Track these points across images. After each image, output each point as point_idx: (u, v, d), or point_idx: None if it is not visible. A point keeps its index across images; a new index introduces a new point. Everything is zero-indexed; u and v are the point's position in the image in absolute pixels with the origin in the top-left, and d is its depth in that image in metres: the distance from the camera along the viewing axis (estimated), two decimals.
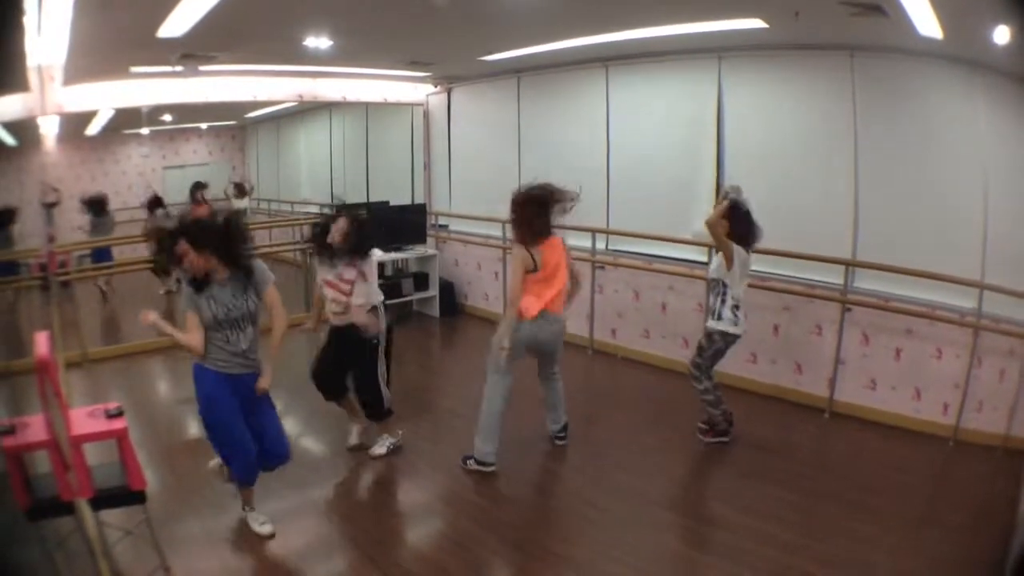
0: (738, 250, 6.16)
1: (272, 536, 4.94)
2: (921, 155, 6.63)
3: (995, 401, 6.33)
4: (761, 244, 7.26)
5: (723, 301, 6.28)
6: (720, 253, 6.26)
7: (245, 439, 4.77)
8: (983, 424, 6.42)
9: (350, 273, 6.04)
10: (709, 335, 6.37)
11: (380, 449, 6.46)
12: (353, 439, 6.56)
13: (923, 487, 5.88)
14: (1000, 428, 6.25)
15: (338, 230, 6.05)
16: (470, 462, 6.04)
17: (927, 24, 5.15)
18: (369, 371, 6.26)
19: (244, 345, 4.69)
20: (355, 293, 6.04)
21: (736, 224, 6.17)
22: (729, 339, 6.33)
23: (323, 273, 6.18)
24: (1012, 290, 6.02)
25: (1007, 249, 6.07)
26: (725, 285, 6.26)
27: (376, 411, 6.38)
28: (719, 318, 6.30)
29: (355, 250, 6.06)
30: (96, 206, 10.51)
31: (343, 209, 6.41)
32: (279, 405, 5.21)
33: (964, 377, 6.49)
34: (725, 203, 6.20)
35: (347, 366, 6.34)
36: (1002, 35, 4.71)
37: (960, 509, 5.43)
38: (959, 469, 6.20)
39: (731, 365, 7.87)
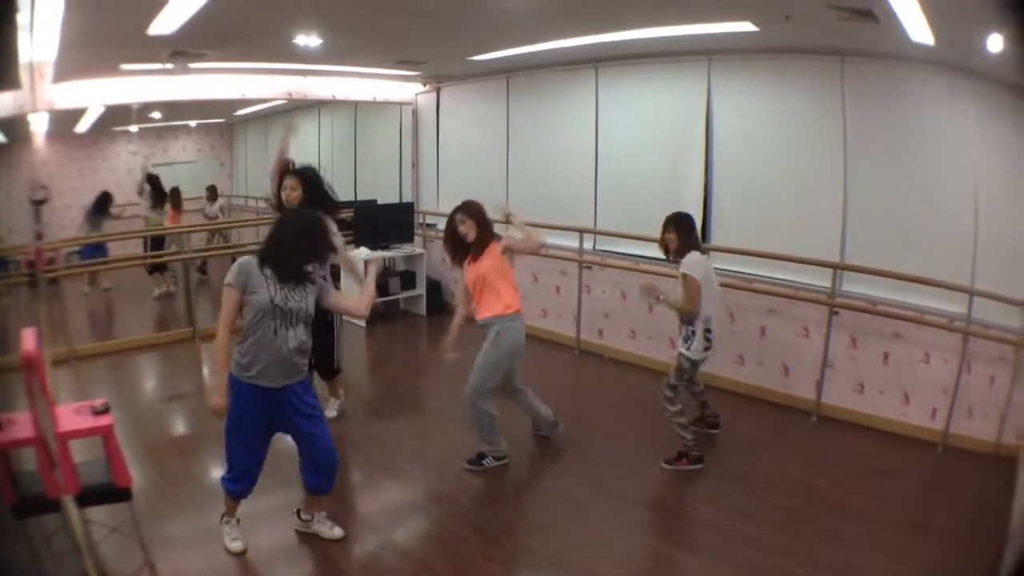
0: (703, 265, 6.02)
1: (243, 553, 4.83)
2: (911, 160, 6.64)
3: (985, 407, 6.32)
4: (749, 246, 7.31)
5: (693, 331, 6.03)
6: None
7: (255, 465, 4.69)
8: (973, 430, 6.41)
9: None
10: (690, 361, 6.10)
11: (332, 412, 6.72)
12: (332, 411, 6.77)
13: (911, 491, 5.91)
14: (991, 435, 6.24)
15: (288, 187, 6.11)
16: (487, 461, 6.02)
17: (919, 30, 5.16)
18: (330, 329, 6.51)
19: (292, 344, 4.46)
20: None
21: (687, 235, 6.07)
22: (699, 364, 6.19)
23: None
24: (1002, 296, 6.02)
25: (997, 255, 6.07)
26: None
27: (330, 369, 6.74)
28: (688, 347, 6.06)
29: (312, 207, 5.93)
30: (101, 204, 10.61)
31: (294, 169, 6.30)
32: None
33: (953, 382, 6.48)
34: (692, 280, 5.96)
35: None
36: (995, 43, 4.72)
37: (950, 514, 5.45)
38: (948, 474, 6.22)
39: (718, 366, 7.89)
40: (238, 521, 4.92)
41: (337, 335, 6.67)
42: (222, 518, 4.92)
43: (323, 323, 6.13)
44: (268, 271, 4.41)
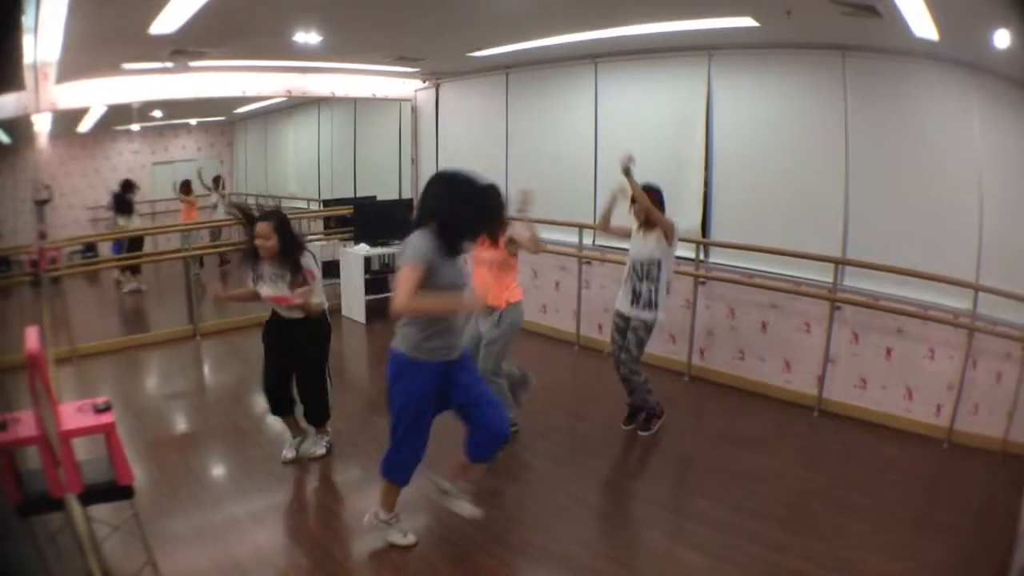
0: (675, 222, 6.25)
1: (414, 545, 4.88)
2: (915, 156, 6.64)
3: (992, 404, 6.31)
4: (750, 241, 7.31)
5: (657, 289, 6.27)
6: (649, 233, 6.30)
7: (425, 441, 4.68)
8: (979, 427, 6.41)
9: (297, 279, 5.64)
10: (649, 328, 6.35)
11: (320, 449, 6.24)
12: (291, 452, 6.18)
13: (916, 488, 5.92)
14: (998, 431, 6.23)
15: (261, 236, 5.58)
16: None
17: (922, 25, 5.15)
18: (319, 371, 6.06)
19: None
20: (312, 292, 5.69)
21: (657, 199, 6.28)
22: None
23: (265, 289, 5.74)
24: (1008, 292, 6.02)
25: (1004, 250, 6.08)
26: (660, 268, 6.25)
27: (322, 414, 6.20)
28: (656, 307, 6.31)
29: (287, 257, 5.64)
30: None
31: (264, 213, 5.74)
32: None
33: (958, 378, 6.48)
34: (634, 181, 6.22)
35: (294, 368, 6.01)
36: (1002, 39, 4.72)
37: (956, 511, 5.44)
38: (954, 471, 6.21)
39: (719, 361, 7.95)
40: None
41: (330, 380, 6.19)
42: (380, 514, 4.91)
43: (315, 368, 6.01)
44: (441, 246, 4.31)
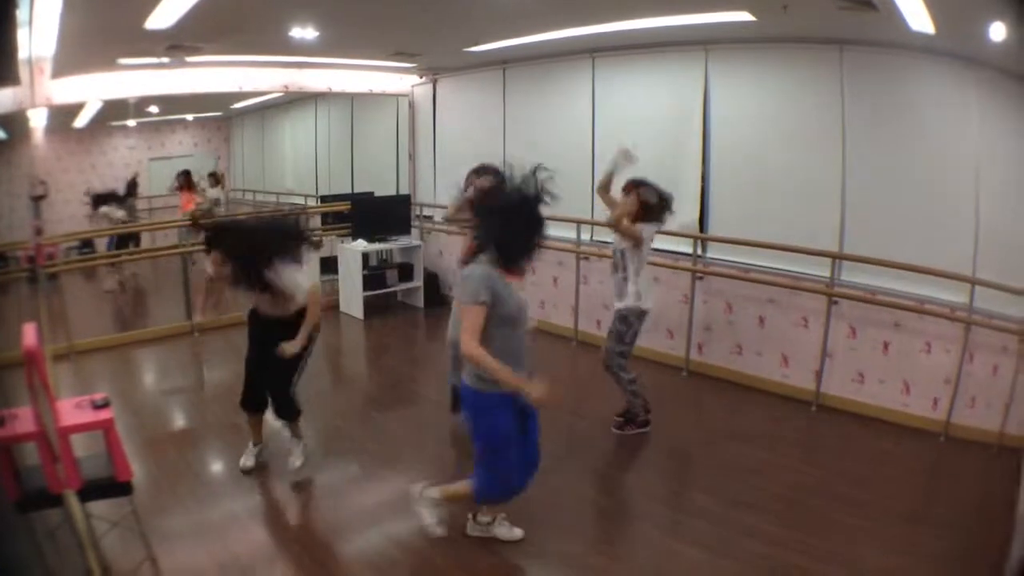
0: (645, 228, 6.19)
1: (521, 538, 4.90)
2: (912, 149, 6.63)
3: (988, 397, 6.32)
4: (747, 236, 7.30)
5: (626, 278, 6.28)
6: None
7: (521, 460, 4.54)
8: (976, 420, 6.42)
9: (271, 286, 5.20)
10: (624, 318, 6.33)
11: (299, 460, 5.82)
12: (249, 460, 5.87)
13: (914, 482, 5.93)
14: (994, 425, 6.23)
15: (218, 264, 5.28)
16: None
17: (918, 19, 5.15)
18: (287, 372, 5.56)
19: (527, 342, 4.40)
20: (293, 284, 5.16)
21: (648, 205, 6.22)
22: (643, 316, 6.35)
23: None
24: (1006, 286, 6.02)
25: (1000, 244, 6.07)
26: (626, 257, 6.26)
27: (288, 409, 5.71)
28: (625, 296, 6.31)
29: (249, 276, 5.19)
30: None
31: (209, 235, 5.40)
32: None
33: (955, 372, 6.48)
34: (634, 197, 6.23)
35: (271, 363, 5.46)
36: (998, 32, 4.72)
37: (953, 505, 5.46)
38: (951, 465, 6.22)
39: (717, 356, 7.95)
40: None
41: (304, 360, 5.64)
42: (438, 501, 4.77)
43: (284, 367, 5.53)
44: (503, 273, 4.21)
